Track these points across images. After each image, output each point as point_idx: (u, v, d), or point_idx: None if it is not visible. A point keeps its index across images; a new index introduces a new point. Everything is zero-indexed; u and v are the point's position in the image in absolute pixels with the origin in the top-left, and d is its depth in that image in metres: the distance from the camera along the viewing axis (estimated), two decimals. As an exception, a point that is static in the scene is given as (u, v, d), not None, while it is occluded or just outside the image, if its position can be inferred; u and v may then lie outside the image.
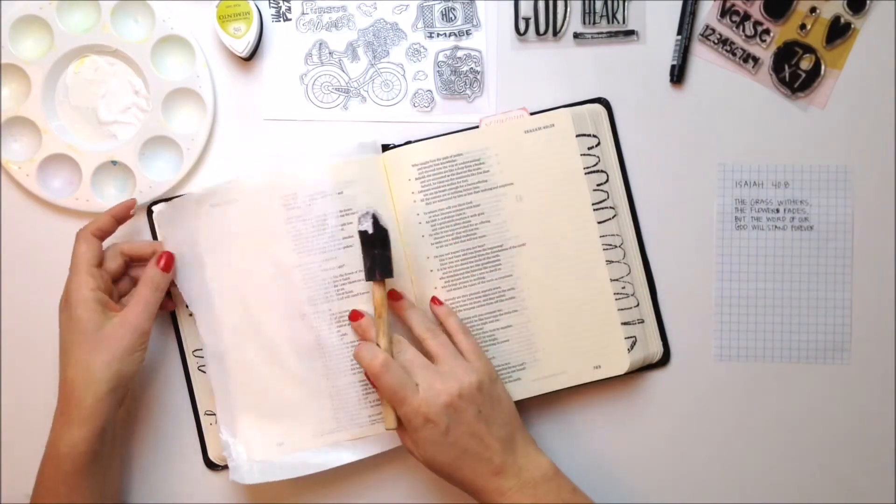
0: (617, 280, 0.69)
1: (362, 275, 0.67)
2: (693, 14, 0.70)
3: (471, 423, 0.62)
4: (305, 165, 0.69)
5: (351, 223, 0.68)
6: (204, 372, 0.71)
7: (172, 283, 0.70)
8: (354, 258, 0.68)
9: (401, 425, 0.64)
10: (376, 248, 0.64)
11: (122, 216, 0.69)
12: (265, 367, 0.70)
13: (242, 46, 0.69)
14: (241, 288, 0.69)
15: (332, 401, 0.69)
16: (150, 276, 0.67)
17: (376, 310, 0.65)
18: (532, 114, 0.70)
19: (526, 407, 0.71)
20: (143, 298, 0.66)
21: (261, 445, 0.70)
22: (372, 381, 0.63)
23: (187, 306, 0.70)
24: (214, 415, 0.71)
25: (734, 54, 0.70)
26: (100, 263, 0.67)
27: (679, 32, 0.70)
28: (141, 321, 0.65)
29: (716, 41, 0.70)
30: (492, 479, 0.62)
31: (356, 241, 0.67)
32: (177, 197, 0.71)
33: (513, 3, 0.71)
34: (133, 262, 0.70)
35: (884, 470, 0.70)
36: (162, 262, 0.67)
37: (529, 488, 0.63)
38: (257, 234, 0.69)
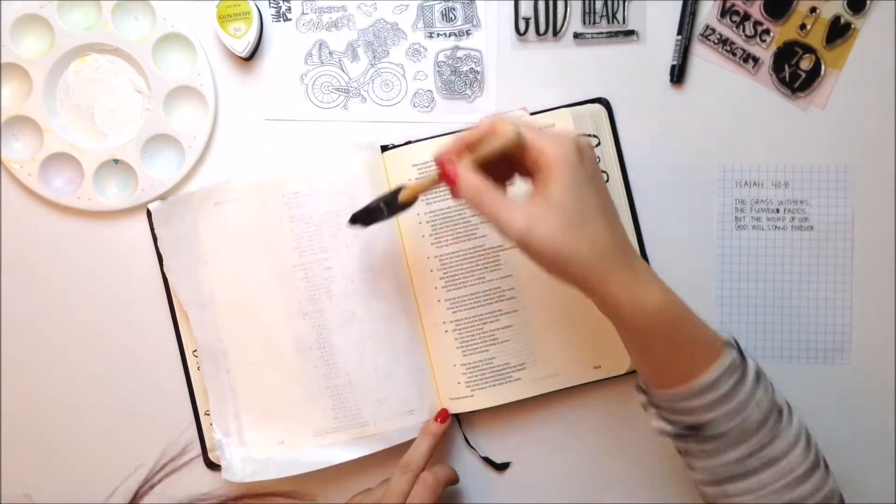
0: (617, 280, 0.69)
1: (364, 274, 0.67)
2: (693, 14, 0.70)
3: (597, 172, 0.55)
4: (306, 165, 0.69)
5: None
6: (204, 371, 0.71)
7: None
8: (356, 257, 0.68)
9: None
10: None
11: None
12: (266, 366, 0.70)
13: (242, 46, 0.69)
14: (242, 286, 0.70)
15: (332, 400, 0.69)
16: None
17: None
18: (532, 114, 0.70)
19: (526, 407, 0.71)
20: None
21: (261, 444, 0.70)
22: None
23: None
24: (214, 414, 0.71)
25: (734, 54, 0.70)
26: None
27: (679, 32, 0.70)
28: None
29: (716, 41, 0.70)
30: (629, 250, 0.55)
31: (357, 240, 0.67)
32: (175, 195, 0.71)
33: (513, 3, 0.71)
34: None
35: (884, 470, 0.70)
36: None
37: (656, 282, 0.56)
38: (259, 233, 0.69)
